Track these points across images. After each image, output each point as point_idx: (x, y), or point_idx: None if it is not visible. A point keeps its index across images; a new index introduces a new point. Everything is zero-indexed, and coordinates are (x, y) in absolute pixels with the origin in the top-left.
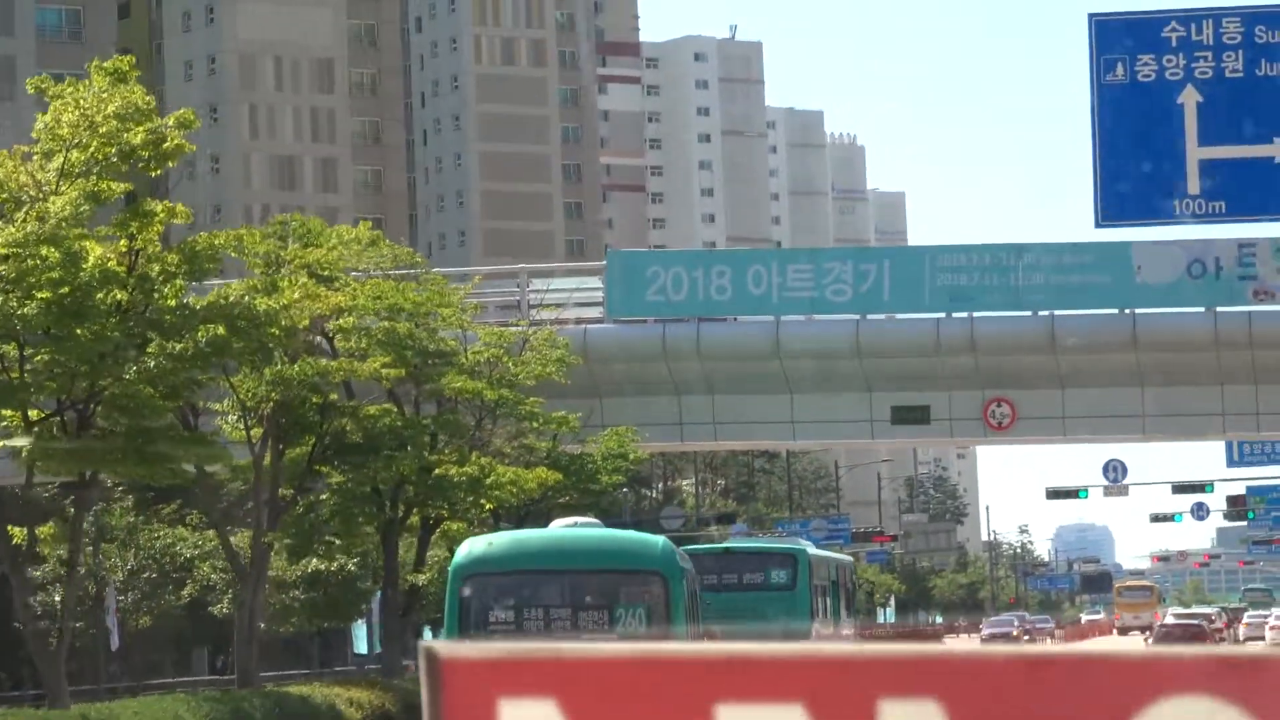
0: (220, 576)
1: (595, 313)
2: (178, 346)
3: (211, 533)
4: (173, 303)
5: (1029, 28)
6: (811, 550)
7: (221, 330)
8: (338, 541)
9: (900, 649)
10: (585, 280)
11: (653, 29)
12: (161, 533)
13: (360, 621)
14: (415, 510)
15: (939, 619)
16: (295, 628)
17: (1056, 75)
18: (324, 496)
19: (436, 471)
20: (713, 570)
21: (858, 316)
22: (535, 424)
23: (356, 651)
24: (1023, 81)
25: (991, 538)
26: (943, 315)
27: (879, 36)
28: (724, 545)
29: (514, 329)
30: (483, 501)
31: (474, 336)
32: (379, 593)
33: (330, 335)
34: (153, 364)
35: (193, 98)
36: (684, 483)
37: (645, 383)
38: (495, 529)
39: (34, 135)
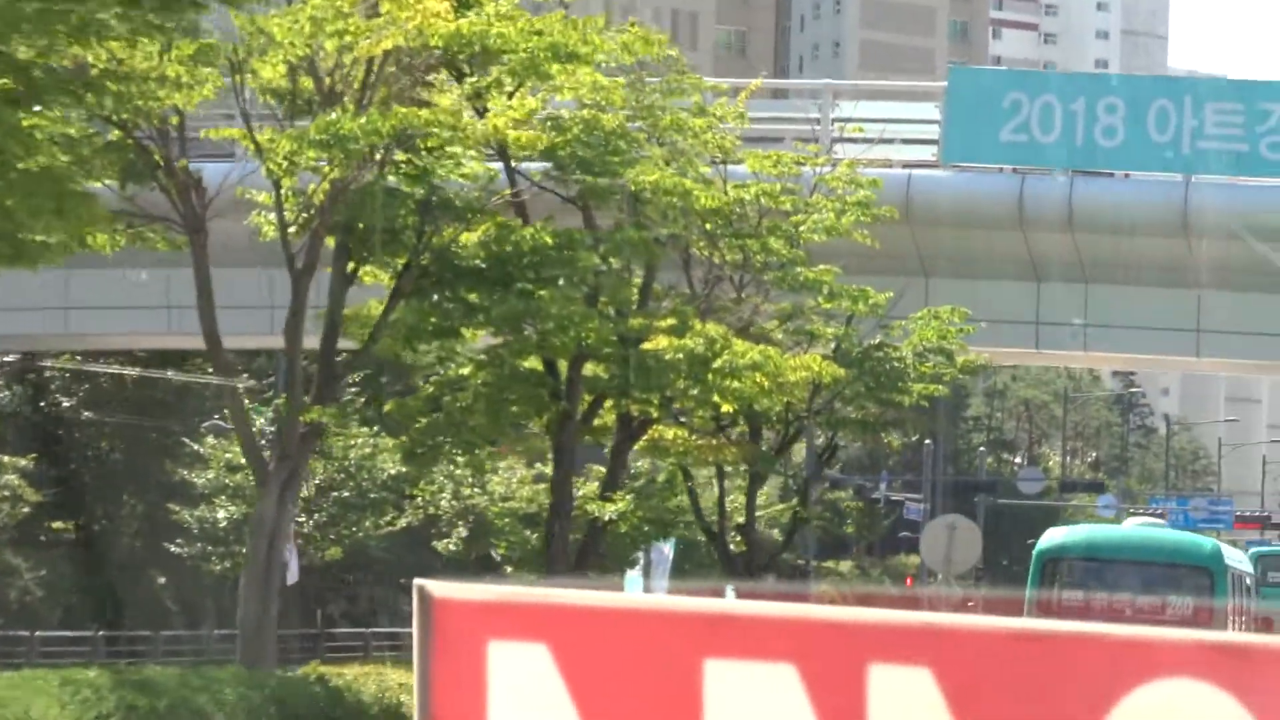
0: (451, 504)
1: (927, 154)
2: None
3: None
4: None
5: None
6: None
7: None
8: (479, 448)
9: (893, 615)
10: (916, 107)
11: None
12: (358, 440)
13: (633, 574)
14: (608, 403)
15: None
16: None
17: None
18: (463, 370)
19: (645, 345)
20: None
21: None
22: (821, 301)
23: None
24: None
25: None
26: None
27: None
28: None
29: (798, 161)
30: (713, 397)
31: (745, 174)
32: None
33: (502, 140)
34: None
35: None
36: (1051, 452)
37: (991, 260)
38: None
39: None
